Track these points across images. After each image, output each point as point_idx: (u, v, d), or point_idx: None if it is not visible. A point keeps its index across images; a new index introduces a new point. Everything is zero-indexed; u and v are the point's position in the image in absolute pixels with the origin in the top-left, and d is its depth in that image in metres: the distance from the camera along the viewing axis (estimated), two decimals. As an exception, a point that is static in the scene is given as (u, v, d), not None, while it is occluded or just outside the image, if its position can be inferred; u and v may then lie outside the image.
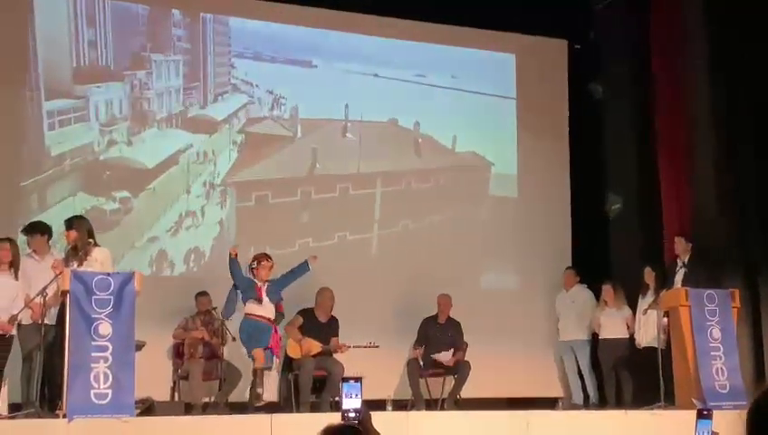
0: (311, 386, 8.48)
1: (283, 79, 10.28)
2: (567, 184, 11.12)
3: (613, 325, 9.52)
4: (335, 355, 8.69)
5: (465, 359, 9.25)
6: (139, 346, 7.30)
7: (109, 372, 6.49)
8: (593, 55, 11.28)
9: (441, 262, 10.27)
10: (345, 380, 3.88)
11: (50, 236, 7.65)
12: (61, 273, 6.82)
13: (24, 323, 7.11)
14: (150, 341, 8.00)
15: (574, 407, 9.70)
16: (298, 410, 8.25)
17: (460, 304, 9.58)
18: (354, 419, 3.74)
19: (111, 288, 6.66)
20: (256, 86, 10.17)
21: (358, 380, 3.85)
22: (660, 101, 10.34)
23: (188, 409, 7.96)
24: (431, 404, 9.19)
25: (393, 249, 10.42)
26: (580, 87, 11.25)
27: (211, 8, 10.14)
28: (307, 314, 8.85)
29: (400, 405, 9.03)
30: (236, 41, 10.18)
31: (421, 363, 9.31)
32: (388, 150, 10.69)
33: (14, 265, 7.12)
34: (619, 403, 9.26)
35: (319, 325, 8.82)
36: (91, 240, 7.26)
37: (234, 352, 8.46)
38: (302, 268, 8.44)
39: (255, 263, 8.21)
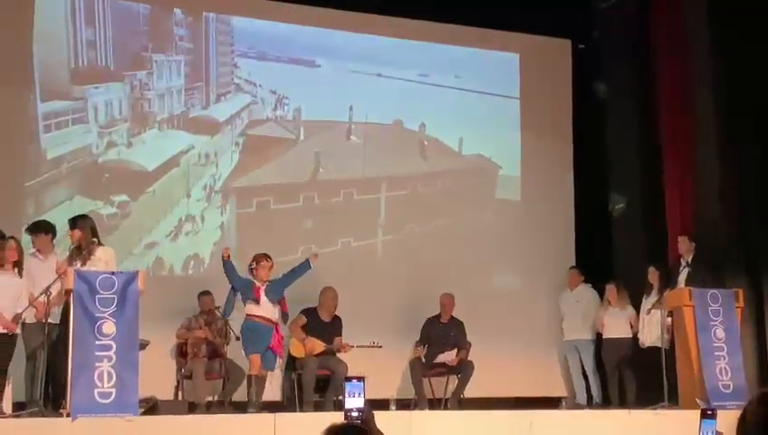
0: (314, 385, 8.48)
1: (286, 79, 10.21)
2: (570, 184, 11.11)
3: (617, 325, 9.51)
4: (338, 355, 8.70)
5: (469, 358, 9.24)
6: (143, 345, 7.32)
7: (112, 371, 6.49)
8: (597, 55, 11.28)
9: (444, 262, 10.26)
10: (348, 379, 3.89)
11: (54, 235, 7.65)
12: (64, 274, 6.82)
13: (28, 321, 7.13)
14: (154, 340, 8.01)
15: (577, 407, 9.69)
16: (301, 410, 8.25)
17: (463, 304, 9.57)
18: (357, 418, 3.75)
19: (115, 287, 6.66)
20: (259, 86, 10.09)
21: (361, 379, 3.86)
22: (663, 100, 10.34)
23: (192, 408, 7.97)
24: (434, 404, 9.18)
25: (398, 255, 10.32)
26: (584, 87, 11.24)
27: (214, 7, 10.07)
28: (310, 313, 8.85)
29: (404, 405, 9.04)
30: (240, 40, 10.11)
31: (423, 359, 9.30)
32: (393, 153, 10.60)
33: (18, 264, 7.13)
34: (623, 403, 9.26)
35: (322, 325, 8.82)
36: (94, 239, 7.27)
37: (237, 351, 8.45)
38: (304, 267, 8.38)
39: (255, 263, 8.18)
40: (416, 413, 8.12)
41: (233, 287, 8.18)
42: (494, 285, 10.56)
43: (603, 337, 9.67)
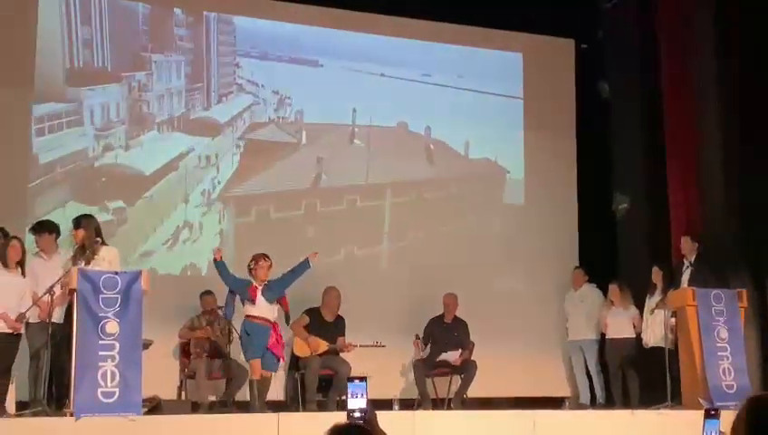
0: (317, 385, 8.48)
1: (289, 79, 10.13)
2: (574, 183, 11.10)
3: (620, 325, 9.50)
4: (342, 354, 8.70)
5: (472, 358, 9.24)
6: (147, 345, 7.32)
7: (116, 370, 6.49)
8: (600, 55, 11.27)
9: (448, 263, 10.25)
10: (350, 379, 3.89)
11: (58, 234, 7.66)
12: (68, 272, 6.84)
13: (31, 321, 7.14)
14: (157, 340, 8.03)
15: (581, 407, 9.69)
16: (305, 409, 8.25)
17: (467, 304, 9.57)
18: (359, 418, 3.75)
19: (119, 287, 6.66)
20: (262, 86, 10.01)
21: (363, 379, 3.86)
22: (667, 100, 10.32)
23: (195, 407, 7.98)
24: (438, 404, 9.18)
25: (403, 264, 10.22)
26: (588, 86, 11.23)
27: (215, 7, 9.98)
28: (313, 313, 8.85)
29: (407, 404, 9.05)
30: (242, 40, 10.02)
31: (421, 352, 9.29)
32: (397, 158, 10.46)
33: (21, 263, 7.15)
34: (626, 403, 9.25)
35: (325, 324, 8.82)
36: (98, 239, 7.28)
37: (240, 351, 8.45)
38: (303, 266, 8.30)
39: (253, 263, 8.16)
40: (419, 413, 8.11)
41: (229, 288, 8.19)
42: (497, 286, 10.54)
43: (606, 337, 9.66)
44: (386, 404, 8.26)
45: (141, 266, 8.74)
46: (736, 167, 9.56)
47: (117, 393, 6.45)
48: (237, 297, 8.12)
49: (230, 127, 9.85)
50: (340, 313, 8.96)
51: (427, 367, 9.22)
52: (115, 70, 9.41)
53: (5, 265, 7.05)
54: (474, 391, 9.17)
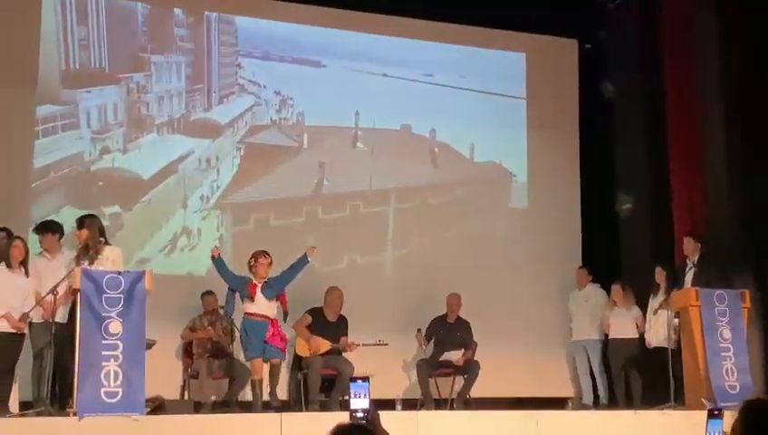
0: (319, 385, 8.48)
1: (291, 79, 10.06)
2: (577, 183, 11.09)
3: (622, 325, 9.49)
4: (344, 354, 8.70)
5: (475, 358, 9.24)
6: (150, 345, 7.33)
7: (119, 370, 6.50)
8: (603, 55, 11.26)
9: (451, 263, 10.25)
10: (353, 380, 3.89)
11: (61, 234, 7.67)
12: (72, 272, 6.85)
13: (35, 321, 7.14)
14: (161, 339, 8.03)
15: (584, 407, 9.68)
16: (307, 409, 8.25)
17: (470, 305, 9.56)
18: (362, 418, 3.75)
19: (122, 287, 6.68)
20: (264, 87, 9.92)
21: (365, 379, 3.86)
22: (671, 100, 10.31)
23: (198, 407, 8.00)
24: (440, 404, 9.18)
25: (407, 271, 10.13)
26: (591, 87, 11.22)
27: (215, 7, 9.90)
28: (316, 313, 8.85)
29: (410, 405, 9.04)
30: (244, 40, 9.94)
31: (424, 348, 9.28)
32: (401, 162, 10.35)
33: (24, 263, 7.16)
34: (629, 403, 9.24)
35: (328, 324, 8.82)
36: (101, 239, 7.29)
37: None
38: (302, 262, 8.29)
39: (254, 260, 8.17)
40: (422, 413, 8.12)
41: (229, 286, 8.20)
42: (500, 286, 10.51)
43: (609, 337, 9.66)
44: (389, 404, 8.26)
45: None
46: (740, 166, 9.54)
47: (120, 393, 6.46)
48: (237, 295, 8.14)
49: (231, 128, 9.76)
50: (342, 312, 8.96)
51: (430, 367, 9.22)
52: (112, 71, 9.28)
53: (9, 265, 7.06)
54: (477, 392, 9.16)
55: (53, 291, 6.82)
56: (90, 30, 9.23)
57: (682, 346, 8.44)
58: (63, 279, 6.90)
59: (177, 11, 9.75)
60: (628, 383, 9.48)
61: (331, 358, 8.63)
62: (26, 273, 7.15)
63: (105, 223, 8.51)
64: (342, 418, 3.60)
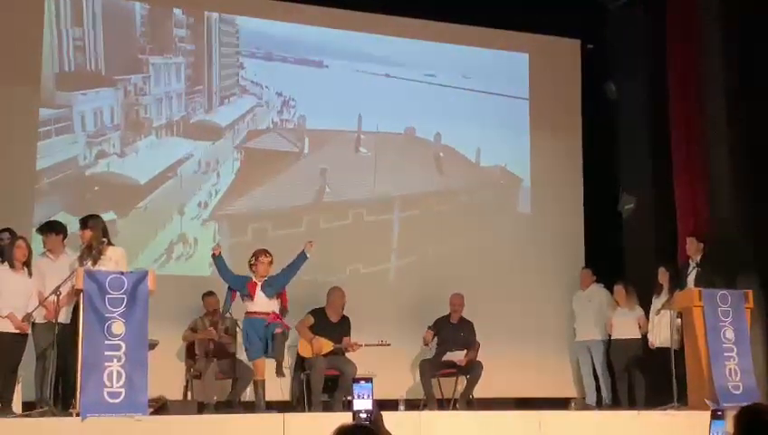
0: (322, 385, 8.48)
1: (293, 80, 9.99)
2: (580, 184, 11.09)
3: (625, 326, 9.49)
4: (347, 354, 8.70)
5: (478, 359, 9.24)
6: (152, 345, 7.34)
7: (122, 370, 6.50)
8: (607, 55, 11.25)
9: (454, 263, 10.24)
10: (356, 380, 3.89)
11: (65, 235, 7.67)
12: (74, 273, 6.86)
13: (38, 321, 7.14)
14: (163, 340, 8.03)
15: (587, 407, 9.68)
16: (310, 410, 8.26)
17: (472, 304, 9.56)
18: (365, 419, 3.76)
19: (125, 287, 6.68)
20: (266, 87, 9.83)
21: (368, 380, 3.86)
22: (674, 100, 10.30)
23: (201, 408, 7.99)
24: (443, 404, 9.18)
25: (411, 280, 10.04)
26: (594, 87, 11.21)
27: (216, 7, 9.82)
28: (318, 313, 8.85)
29: (413, 405, 9.03)
30: (245, 41, 9.86)
31: (429, 346, 9.28)
32: (405, 167, 10.24)
33: (27, 263, 7.17)
34: (632, 404, 9.24)
35: (330, 325, 8.82)
36: (104, 239, 7.29)
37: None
38: (301, 259, 8.26)
39: (254, 259, 8.17)
40: (425, 414, 8.12)
41: (228, 285, 8.19)
42: (502, 286, 10.50)
43: (612, 338, 9.66)
44: (391, 404, 8.25)
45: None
46: (744, 167, 9.53)
47: (123, 394, 6.46)
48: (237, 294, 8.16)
49: (231, 130, 9.64)
50: (344, 313, 8.95)
51: (433, 367, 9.22)
52: (109, 73, 9.15)
53: (12, 266, 7.07)
54: (480, 392, 9.15)
55: (56, 291, 6.83)
56: (85, 31, 9.10)
57: (685, 347, 8.42)
58: (66, 279, 6.91)
59: (177, 11, 9.65)
60: (631, 384, 9.49)
61: (334, 358, 8.63)
62: (29, 273, 7.16)
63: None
64: (346, 418, 3.61)
